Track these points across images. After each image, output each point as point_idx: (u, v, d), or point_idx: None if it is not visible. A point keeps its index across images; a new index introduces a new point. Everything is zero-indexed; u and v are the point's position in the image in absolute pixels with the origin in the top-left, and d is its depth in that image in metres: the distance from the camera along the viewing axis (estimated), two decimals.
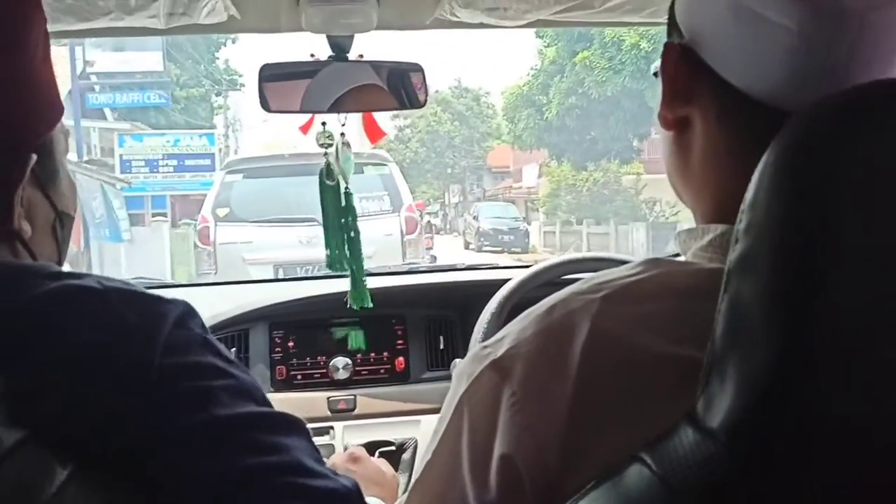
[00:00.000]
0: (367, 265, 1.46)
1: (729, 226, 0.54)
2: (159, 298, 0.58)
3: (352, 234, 1.40)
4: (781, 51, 0.52)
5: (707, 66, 0.57)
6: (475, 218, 21.35)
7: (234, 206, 6.17)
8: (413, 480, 0.62)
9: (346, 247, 1.40)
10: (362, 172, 5.90)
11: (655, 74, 0.67)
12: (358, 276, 1.42)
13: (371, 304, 1.43)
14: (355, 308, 1.42)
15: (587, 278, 0.59)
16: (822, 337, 0.43)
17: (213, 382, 0.56)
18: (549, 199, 20.82)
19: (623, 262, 1.08)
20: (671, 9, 0.63)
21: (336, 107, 1.31)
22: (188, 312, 0.58)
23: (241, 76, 22.99)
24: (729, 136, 0.57)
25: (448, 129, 30.83)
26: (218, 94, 22.63)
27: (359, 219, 1.44)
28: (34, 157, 0.60)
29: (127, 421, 0.52)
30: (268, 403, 0.60)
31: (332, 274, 1.57)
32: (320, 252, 1.47)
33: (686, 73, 0.59)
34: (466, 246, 20.63)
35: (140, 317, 0.56)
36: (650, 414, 0.49)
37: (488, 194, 30.29)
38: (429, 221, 7.02)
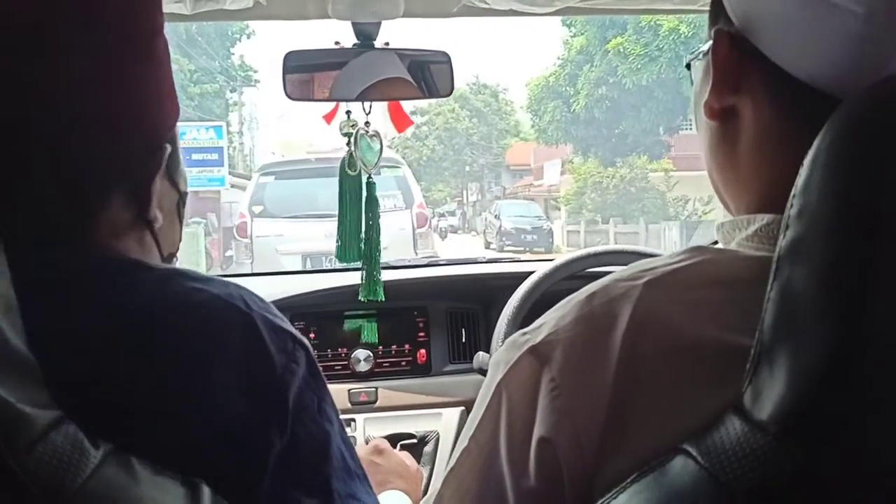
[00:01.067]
0: (383, 256, 1.45)
1: (776, 215, 0.54)
2: (294, 337, 0.63)
3: (371, 223, 1.40)
4: (846, 37, 0.51)
5: (760, 53, 0.56)
6: (496, 217, 20.94)
7: (267, 203, 7.19)
8: (447, 469, 0.61)
9: (361, 238, 1.40)
10: (379, 174, 6.27)
11: (688, 66, 0.67)
12: (372, 267, 1.42)
13: (383, 298, 1.42)
14: (363, 300, 1.42)
15: (629, 266, 0.58)
16: (878, 324, 0.42)
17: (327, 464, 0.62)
18: (574, 197, 20.31)
19: (649, 255, 1.08)
20: None
21: (365, 96, 1.31)
22: (311, 362, 0.64)
23: (255, 72, 23.14)
24: (783, 125, 0.57)
25: (466, 126, 30.82)
26: (233, 91, 22.70)
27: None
28: (168, 148, 0.66)
29: (240, 452, 0.57)
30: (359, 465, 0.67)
31: (352, 266, 1.59)
32: None
33: (737, 61, 0.58)
34: (487, 245, 20.42)
35: (282, 356, 0.61)
36: (693, 403, 0.49)
37: (507, 192, 30.13)
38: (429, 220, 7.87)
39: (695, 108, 0.66)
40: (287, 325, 0.64)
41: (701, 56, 0.64)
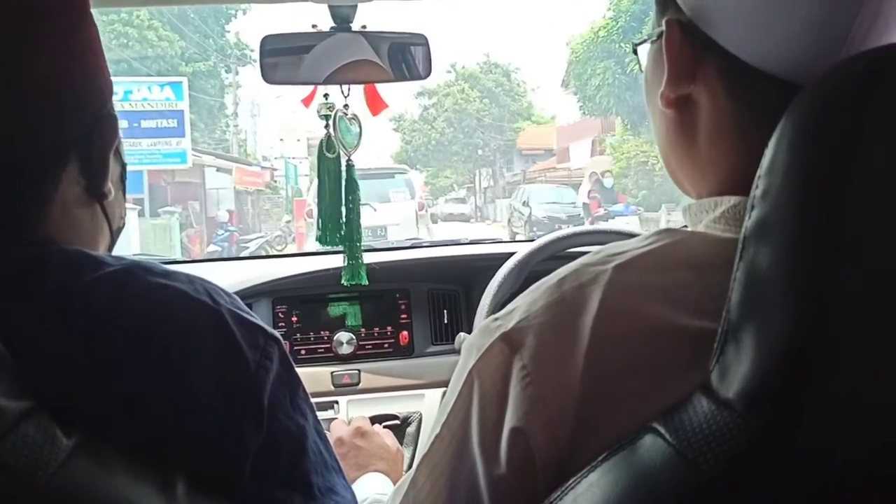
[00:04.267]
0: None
1: (742, 197, 0.57)
2: (264, 332, 0.65)
3: (350, 206, 1.43)
4: (801, 24, 0.54)
5: (714, 42, 0.58)
6: (524, 203, 19.15)
7: None
8: (420, 455, 0.64)
9: (341, 221, 1.43)
10: (393, 178, 12.40)
11: (635, 51, 0.71)
12: (353, 251, 1.46)
13: (366, 282, 1.47)
14: (346, 284, 1.47)
15: (598, 249, 0.61)
16: (842, 303, 0.44)
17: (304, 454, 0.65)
18: (616, 180, 18.13)
19: (632, 236, 1.14)
20: None
21: (333, 78, 1.37)
22: (283, 356, 0.66)
23: (253, 50, 22.78)
24: (740, 111, 0.59)
25: (477, 108, 30.34)
26: (228, 71, 22.33)
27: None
28: (117, 115, 0.69)
29: (222, 448, 0.59)
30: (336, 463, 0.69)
31: (334, 250, 1.63)
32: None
33: (690, 50, 0.60)
34: (513, 237, 18.53)
35: (255, 352, 0.62)
36: (664, 386, 0.51)
37: (527, 176, 28.95)
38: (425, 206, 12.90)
39: (646, 95, 0.69)
40: (256, 319, 0.65)
41: (650, 42, 0.67)
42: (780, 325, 0.45)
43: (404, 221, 11.11)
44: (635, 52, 0.71)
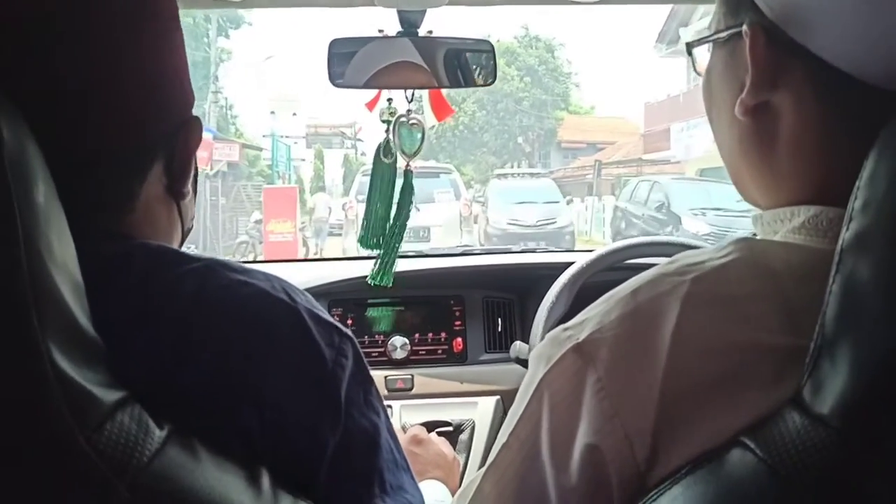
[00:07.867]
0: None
1: (822, 207, 0.61)
2: (339, 330, 0.71)
3: (401, 211, 1.56)
4: None
5: (802, 47, 0.61)
6: (661, 208, 14.12)
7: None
8: (488, 464, 0.68)
9: (387, 226, 1.56)
10: (438, 177, 13.73)
11: (689, 51, 0.74)
12: (390, 253, 1.58)
13: (391, 284, 1.56)
14: (371, 284, 1.57)
15: (672, 259, 0.63)
16: None
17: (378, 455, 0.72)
18: None
19: (694, 248, 1.26)
20: None
21: (379, 83, 1.55)
22: (357, 354, 0.72)
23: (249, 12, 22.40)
24: (829, 120, 0.62)
25: (516, 88, 28.42)
26: (216, 33, 21.00)
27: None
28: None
29: (302, 447, 0.66)
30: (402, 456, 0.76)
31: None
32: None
33: (775, 56, 0.63)
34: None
35: (331, 350, 0.69)
36: (746, 402, 0.54)
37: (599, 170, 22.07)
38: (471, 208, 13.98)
39: (710, 98, 0.72)
40: (330, 318, 0.71)
41: (713, 42, 0.70)
42: (881, 341, 0.47)
43: (447, 223, 12.72)
44: (689, 52, 0.75)
